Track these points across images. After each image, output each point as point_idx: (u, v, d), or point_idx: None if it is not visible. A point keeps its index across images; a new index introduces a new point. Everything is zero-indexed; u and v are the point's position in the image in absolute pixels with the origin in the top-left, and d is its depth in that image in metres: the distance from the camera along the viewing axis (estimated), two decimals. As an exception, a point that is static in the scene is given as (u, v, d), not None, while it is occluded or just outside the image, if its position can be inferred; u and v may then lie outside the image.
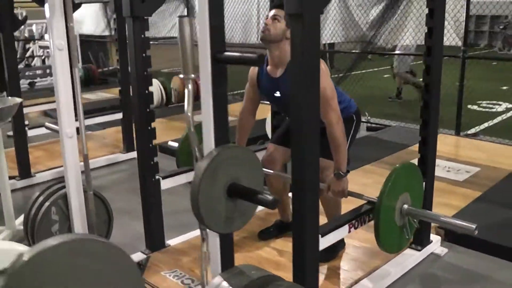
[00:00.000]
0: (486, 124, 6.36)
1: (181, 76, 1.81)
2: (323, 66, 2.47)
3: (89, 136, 5.55)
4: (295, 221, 2.09)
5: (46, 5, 2.40)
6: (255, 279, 1.62)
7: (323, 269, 2.73)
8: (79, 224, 2.65)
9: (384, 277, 2.73)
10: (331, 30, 6.21)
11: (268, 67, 2.78)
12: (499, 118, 6.76)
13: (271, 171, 2.98)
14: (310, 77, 1.88)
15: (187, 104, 1.80)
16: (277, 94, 2.78)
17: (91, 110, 5.52)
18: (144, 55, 2.78)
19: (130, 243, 3.13)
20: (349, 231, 2.50)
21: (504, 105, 7.54)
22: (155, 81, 6.54)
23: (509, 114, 7.06)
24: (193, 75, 1.78)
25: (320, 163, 2.30)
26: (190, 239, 3.18)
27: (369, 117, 6.26)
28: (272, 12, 2.67)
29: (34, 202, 2.69)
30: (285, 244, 3.03)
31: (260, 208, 3.30)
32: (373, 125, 6.14)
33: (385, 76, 9.83)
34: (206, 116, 1.80)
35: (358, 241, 3.06)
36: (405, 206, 2.63)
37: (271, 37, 2.63)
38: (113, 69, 9.55)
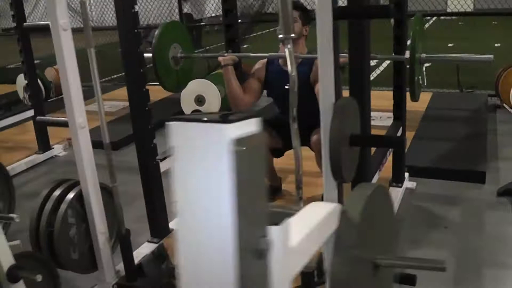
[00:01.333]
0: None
1: (280, 36, 1.78)
2: None
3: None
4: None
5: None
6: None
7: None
8: (100, 222, 2.41)
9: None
10: (215, 2, 6.23)
11: (281, 61, 2.97)
12: (377, 71, 7.37)
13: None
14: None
15: (290, 65, 1.79)
16: (288, 86, 2.86)
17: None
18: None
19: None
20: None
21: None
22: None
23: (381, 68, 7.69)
24: (293, 35, 1.77)
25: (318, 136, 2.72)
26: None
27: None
28: None
29: (42, 206, 2.35)
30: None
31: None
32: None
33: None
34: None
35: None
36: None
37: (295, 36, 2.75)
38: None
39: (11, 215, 1.80)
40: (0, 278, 1.71)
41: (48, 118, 3.60)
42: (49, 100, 6.36)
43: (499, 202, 3.11)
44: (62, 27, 2.14)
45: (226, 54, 3.08)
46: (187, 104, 5.25)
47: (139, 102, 2.65)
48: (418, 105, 4.95)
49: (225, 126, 0.67)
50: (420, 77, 2.64)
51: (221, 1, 3.49)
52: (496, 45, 8.12)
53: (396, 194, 3.21)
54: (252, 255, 0.73)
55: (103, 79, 7.20)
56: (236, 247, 0.68)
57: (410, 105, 3.12)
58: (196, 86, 5.06)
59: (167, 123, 0.71)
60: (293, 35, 1.78)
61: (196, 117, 0.70)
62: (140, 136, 2.71)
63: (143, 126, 2.69)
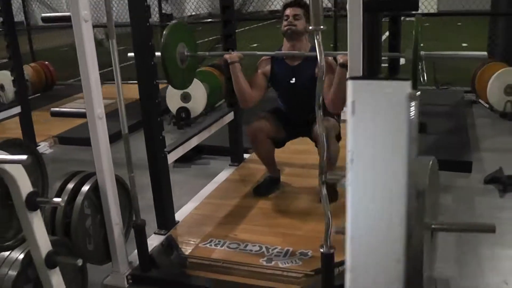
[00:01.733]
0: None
1: (311, 27, 1.87)
2: None
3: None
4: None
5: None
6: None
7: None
8: (115, 213, 2.43)
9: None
10: (195, 1, 6.27)
11: (285, 57, 3.09)
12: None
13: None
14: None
15: (319, 55, 1.88)
16: (292, 81, 3.08)
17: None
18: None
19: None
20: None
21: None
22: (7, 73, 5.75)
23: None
24: (322, 26, 1.87)
25: (329, 122, 2.89)
26: (192, 211, 3.13)
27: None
28: (292, 10, 2.99)
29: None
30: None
31: (247, 167, 3.42)
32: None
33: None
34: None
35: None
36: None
37: (298, 32, 2.99)
38: None
39: (55, 199, 1.80)
40: (38, 263, 1.73)
41: (64, 109, 3.56)
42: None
43: (487, 189, 3.30)
44: (84, 18, 2.16)
45: (232, 52, 3.14)
46: (173, 102, 5.28)
47: (149, 94, 2.68)
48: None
49: (403, 83, 0.76)
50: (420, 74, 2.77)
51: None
52: (463, 44, 8.47)
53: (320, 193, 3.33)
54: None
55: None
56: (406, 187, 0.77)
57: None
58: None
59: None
60: (322, 27, 1.87)
61: (371, 76, 0.78)
62: (149, 128, 2.74)
63: (153, 118, 2.72)
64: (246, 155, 3.99)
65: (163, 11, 6.20)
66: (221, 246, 2.69)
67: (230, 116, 3.71)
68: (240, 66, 3.07)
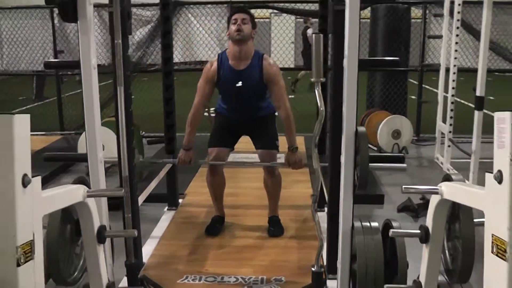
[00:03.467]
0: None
1: (312, 79, 2.27)
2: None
3: None
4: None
5: (79, 23, 2.26)
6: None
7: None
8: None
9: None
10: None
11: (231, 62, 3.28)
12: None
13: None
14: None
15: (319, 102, 2.28)
16: (239, 84, 3.29)
17: None
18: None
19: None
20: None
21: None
22: None
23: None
24: (322, 79, 2.27)
25: (272, 154, 3.37)
26: (153, 253, 3.23)
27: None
28: (240, 15, 3.22)
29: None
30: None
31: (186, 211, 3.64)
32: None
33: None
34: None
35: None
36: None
37: (245, 36, 3.21)
38: None
39: (124, 231, 1.88)
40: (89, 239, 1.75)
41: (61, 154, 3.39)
42: None
43: (401, 217, 3.90)
44: (93, 66, 2.31)
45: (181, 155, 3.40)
46: (84, 149, 5.21)
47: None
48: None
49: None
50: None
51: (161, 50, 3.82)
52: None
53: (321, 217, 3.79)
54: None
55: None
56: None
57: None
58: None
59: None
60: (323, 79, 2.28)
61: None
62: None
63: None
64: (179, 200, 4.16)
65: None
66: (199, 281, 2.85)
67: (168, 165, 3.87)
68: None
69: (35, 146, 5.88)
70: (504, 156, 1.20)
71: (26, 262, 1.12)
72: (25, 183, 1.14)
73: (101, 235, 1.67)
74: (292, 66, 12.13)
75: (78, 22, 2.24)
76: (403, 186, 1.92)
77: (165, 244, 3.36)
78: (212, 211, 3.69)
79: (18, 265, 1.09)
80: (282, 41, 7.93)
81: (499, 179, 1.22)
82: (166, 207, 4.03)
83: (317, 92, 2.28)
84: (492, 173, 1.27)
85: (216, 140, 3.51)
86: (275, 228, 3.50)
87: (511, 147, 1.19)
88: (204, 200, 3.99)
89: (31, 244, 1.16)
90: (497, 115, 1.24)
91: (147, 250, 3.26)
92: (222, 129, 3.53)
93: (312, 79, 2.27)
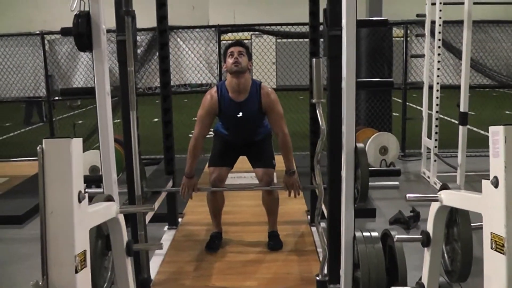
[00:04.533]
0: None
1: (313, 100, 2.44)
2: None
3: None
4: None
5: (94, 52, 2.40)
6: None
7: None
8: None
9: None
10: (84, 77, 6.43)
11: (231, 94, 3.42)
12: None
13: (221, 188, 3.56)
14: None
15: (321, 121, 2.44)
16: (240, 114, 3.44)
17: None
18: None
19: None
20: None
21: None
22: None
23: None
24: (323, 100, 2.45)
25: (269, 173, 3.50)
26: (160, 270, 3.33)
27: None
28: (236, 48, 3.37)
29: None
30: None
31: (186, 229, 3.74)
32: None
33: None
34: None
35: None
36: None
37: (243, 69, 3.35)
38: None
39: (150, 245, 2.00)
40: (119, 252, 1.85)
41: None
42: None
43: (393, 229, 4.06)
44: (107, 92, 2.45)
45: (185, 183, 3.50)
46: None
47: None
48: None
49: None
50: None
51: (159, 72, 3.97)
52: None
53: (315, 231, 3.93)
54: None
55: None
56: None
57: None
58: (90, 157, 5.20)
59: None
60: (323, 100, 2.46)
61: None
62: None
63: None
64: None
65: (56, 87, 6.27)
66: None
67: (169, 184, 4.00)
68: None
69: (27, 171, 5.98)
70: (499, 164, 1.37)
71: (82, 269, 1.25)
72: (80, 199, 1.28)
73: (130, 248, 1.80)
74: (274, 86, 12.31)
75: (93, 51, 2.38)
76: (407, 195, 2.10)
77: (169, 262, 3.48)
78: (211, 229, 3.82)
79: (76, 271, 1.22)
80: (263, 62, 8.14)
81: (496, 184, 1.39)
82: (167, 226, 4.15)
83: (318, 112, 2.45)
84: (488, 179, 1.44)
85: (216, 159, 3.65)
86: (274, 242, 3.64)
87: (505, 156, 1.36)
88: (203, 218, 4.13)
89: (85, 253, 1.29)
90: (492, 129, 1.41)
91: (153, 267, 3.36)
92: (221, 149, 3.68)
93: (313, 100, 2.44)
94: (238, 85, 3.37)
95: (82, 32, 2.34)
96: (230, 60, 3.36)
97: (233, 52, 3.37)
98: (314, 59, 2.40)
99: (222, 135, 3.68)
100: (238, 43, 3.45)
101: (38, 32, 6.56)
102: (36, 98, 6.90)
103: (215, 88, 3.48)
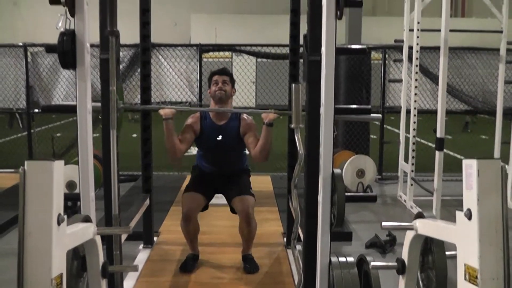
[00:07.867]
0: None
1: (292, 125, 2.47)
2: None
3: None
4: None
5: (77, 70, 2.40)
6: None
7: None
8: None
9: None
10: (64, 91, 6.40)
11: (212, 117, 3.57)
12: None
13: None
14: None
15: (299, 146, 2.47)
16: (219, 138, 3.55)
17: None
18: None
19: None
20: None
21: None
22: None
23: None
24: (301, 125, 2.48)
25: (247, 200, 3.49)
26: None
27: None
28: (221, 77, 3.53)
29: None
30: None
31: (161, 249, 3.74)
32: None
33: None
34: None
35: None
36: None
37: (226, 96, 3.52)
38: None
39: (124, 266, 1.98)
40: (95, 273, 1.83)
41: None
42: None
43: (369, 253, 4.11)
44: (88, 110, 2.45)
45: (165, 107, 3.51)
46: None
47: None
48: (265, 185, 5.96)
49: None
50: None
51: (140, 90, 3.98)
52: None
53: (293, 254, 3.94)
54: None
55: None
56: None
57: (259, 186, 3.74)
58: (68, 172, 5.13)
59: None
60: (301, 125, 2.49)
61: None
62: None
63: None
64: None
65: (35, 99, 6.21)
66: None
67: (146, 202, 3.97)
68: (173, 122, 3.42)
69: (4, 183, 5.87)
70: (472, 196, 1.41)
71: (57, 293, 1.24)
72: (59, 221, 1.28)
73: (105, 270, 1.79)
74: (253, 105, 12.40)
75: (77, 69, 2.38)
76: (382, 223, 2.12)
77: (144, 282, 3.44)
78: (187, 248, 3.79)
79: (52, 295, 1.22)
80: (243, 82, 8.20)
81: (469, 216, 1.43)
82: (142, 245, 4.10)
83: (297, 137, 2.47)
84: (462, 211, 1.47)
85: (192, 187, 3.64)
86: (251, 265, 3.62)
87: (477, 189, 1.40)
88: (179, 238, 4.06)
89: (61, 276, 1.28)
90: (465, 162, 1.46)
91: (128, 287, 3.33)
92: (198, 181, 3.70)
93: (292, 126, 2.47)
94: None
95: (67, 50, 2.35)
96: (213, 88, 3.53)
97: (217, 80, 3.54)
98: (293, 85, 2.43)
99: (199, 167, 3.74)
100: (223, 71, 3.60)
101: (21, 44, 6.52)
102: (16, 110, 6.83)
103: (198, 113, 3.64)
